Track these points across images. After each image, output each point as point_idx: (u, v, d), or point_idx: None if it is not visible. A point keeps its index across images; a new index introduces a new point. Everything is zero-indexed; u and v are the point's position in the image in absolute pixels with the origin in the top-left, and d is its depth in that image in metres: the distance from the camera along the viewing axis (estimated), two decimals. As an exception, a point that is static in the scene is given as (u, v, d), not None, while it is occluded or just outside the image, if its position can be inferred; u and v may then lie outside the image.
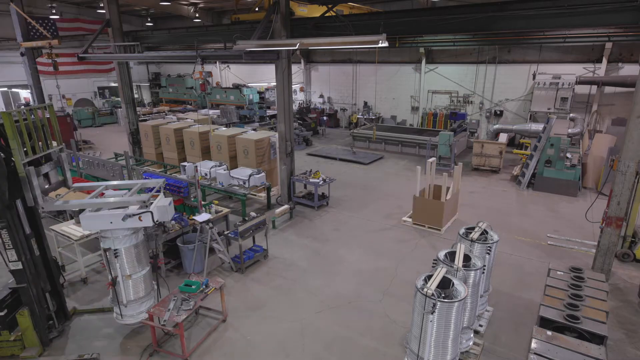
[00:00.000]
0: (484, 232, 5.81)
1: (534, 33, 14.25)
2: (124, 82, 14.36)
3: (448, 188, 9.70)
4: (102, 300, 6.87)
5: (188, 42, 17.08)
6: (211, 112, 20.47)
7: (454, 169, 10.14)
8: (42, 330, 5.70)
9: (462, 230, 5.93)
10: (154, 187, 5.86)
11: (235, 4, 17.19)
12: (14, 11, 18.14)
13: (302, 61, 23.85)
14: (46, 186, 5.69)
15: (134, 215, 5.14)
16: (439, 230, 9.45)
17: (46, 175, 5.70)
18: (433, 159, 9.86)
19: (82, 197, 9.38)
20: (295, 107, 22.68)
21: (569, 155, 12.02)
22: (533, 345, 4.48)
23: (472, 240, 5.53)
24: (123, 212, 5.15)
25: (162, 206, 5.51)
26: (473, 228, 5.94)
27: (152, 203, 5.46)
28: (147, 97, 31.53)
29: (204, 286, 5.98)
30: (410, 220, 9.94)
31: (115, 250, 5.36)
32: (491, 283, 6.29)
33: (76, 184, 6.24)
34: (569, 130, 14.43)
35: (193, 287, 5.88)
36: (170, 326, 5.56)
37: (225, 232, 8.00)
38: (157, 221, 5.36)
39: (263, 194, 10.60)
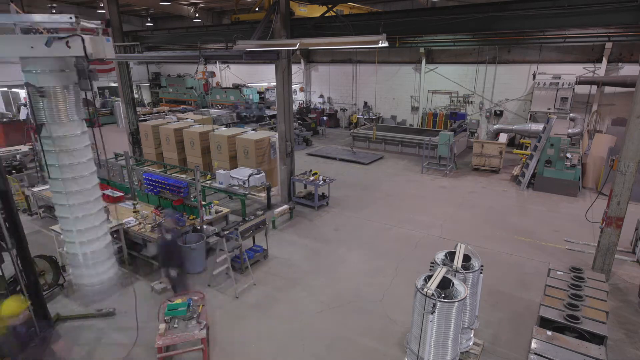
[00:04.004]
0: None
1: (534, 33, 14.24)
2: (124, 82, 14.36)
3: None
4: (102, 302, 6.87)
5: (188, 42, 17.09)
6: (211, 111, 20.48)
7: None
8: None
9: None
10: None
11: (235, 4, 17.20)
12: (14, 11, 18.20)
13: (302, 61, 23.85)
14: None
15: (61, 38, 4.24)
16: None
17: None
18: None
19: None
20: (295, 107, 22.68)
21: (569, 155, 12.02)
22: (533, 345, 4.48)
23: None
24: (47, 36, 4.29)
25: (97, 38, 4.69)
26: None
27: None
28: (147, 97, 31.51)
29: (190, 307, 5.55)
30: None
31: (40, 88, 4.44)
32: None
33: None
34: (569, 130, 14.43)
35: (180, 309, 5.44)
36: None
37: (225, 232, 7.99)
38: (90, 54, 4.48)
39: (263, 194, 10.59)
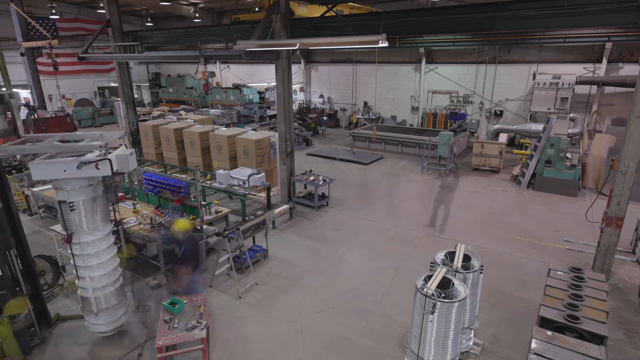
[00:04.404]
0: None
1: (534, 33, 14.25)
2: (124, 82, 14.36)
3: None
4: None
5: (188, 42, 17.10)
6: (212, 111, 20.50)
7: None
8: (23, 338, 5.57)
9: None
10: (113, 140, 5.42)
11: (235, 4, 17.20)
12: (14, 11, 18.19)
13: (302, 61, 23.85)
14: None
15: (90, 162, 4.66)
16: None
17: None
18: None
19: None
20: (295, 107, 22.68)
21: (569, 155, 12.02)
22: (533, 345, 4.48)
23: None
24: (77, 160, 4.68)
25: (122, 155, 5.05)
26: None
27: (111, 152, 5.05)
28: (147, 97, 31.52)
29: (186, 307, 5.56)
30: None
31: (71, 203, 4.94)
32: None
33: (27, 135, 5.88)
34: (569, 130, 14.43)
35: (177, 306, 5.48)
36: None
37: (225, 232, 7.99)
38: (116, 171, 4.91)
39: (263, 194, 10.60)
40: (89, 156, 4.83)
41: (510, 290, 7.12)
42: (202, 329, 5.22)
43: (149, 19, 27.64)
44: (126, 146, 5.52)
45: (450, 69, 19.09)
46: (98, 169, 4.75)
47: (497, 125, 16.74)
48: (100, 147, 4.94)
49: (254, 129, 14.68)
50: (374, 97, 21.56)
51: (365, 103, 22.21)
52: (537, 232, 9.39)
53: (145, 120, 17.39)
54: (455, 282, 4.53)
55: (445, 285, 4.44)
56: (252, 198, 10.69)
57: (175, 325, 5.25)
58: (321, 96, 24.30)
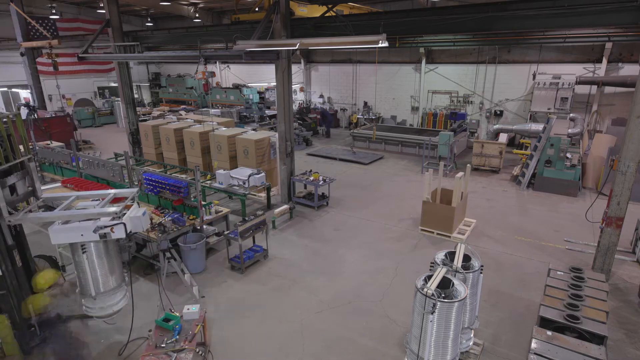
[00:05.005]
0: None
1: (534, 33, 14.25)
2: (124, 82, 14.36)
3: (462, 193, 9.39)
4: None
5: (188, 42, 17.11)
6: (212, 111, 20.50)
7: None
8: (23, 338, 5.53)
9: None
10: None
11: (235, 4, 17.22)
12: (14, 11, 18.17)
13: (302, 61, 23.85)
14: (13, 197, 5.34)
15: (105, 227, 4.93)
16: (449, 237, 9.05)
17: (13, 187, 5.37)
18: (442, 163, 9.72)
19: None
20: (295, 107, 22.67)
21: (569, 155, 12.01)
22: (533, 345, 4.48)
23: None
24: (94, 224, 4.92)
25: (136, 217, 5.25)
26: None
27: (124, 214, 5.17)
28: (147, 97, 31.52)
29: (179, 327, 5.17)
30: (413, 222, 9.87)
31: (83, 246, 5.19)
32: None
33: (45, 195, 6.05)
34: (569, 130, 14.43)
35: (171, 322, 5.19)
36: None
37: (225, 232, 8.00)
38: (130, 232, 5.12)
39: (263, 194, 10.61)
40: (104, 220, 5.07)
41: (510, 290, 7.12)
42: (189, 352, 4.79)
43: (149, 19, 27.64)
44: (138, 204, 5.67)
45: (450, 69, 19.09)
46: (113, 232, 5.03)
47: (497, 125, 16.74)
48: (116, 213, 5.15)
49: (254, 129, 14.69)
50: (374, 97, 21.56)
51: (365, 103, 22.21)
52: (537, 232, 9.40)
53: (145, 120, 17.41)
54: (455, 282, 4.54)
55: (445, 285, 4.44)
56: (252, 198, 10.69)
57: (163, 345, 4.83)
58: (321, 96, 24.30)
